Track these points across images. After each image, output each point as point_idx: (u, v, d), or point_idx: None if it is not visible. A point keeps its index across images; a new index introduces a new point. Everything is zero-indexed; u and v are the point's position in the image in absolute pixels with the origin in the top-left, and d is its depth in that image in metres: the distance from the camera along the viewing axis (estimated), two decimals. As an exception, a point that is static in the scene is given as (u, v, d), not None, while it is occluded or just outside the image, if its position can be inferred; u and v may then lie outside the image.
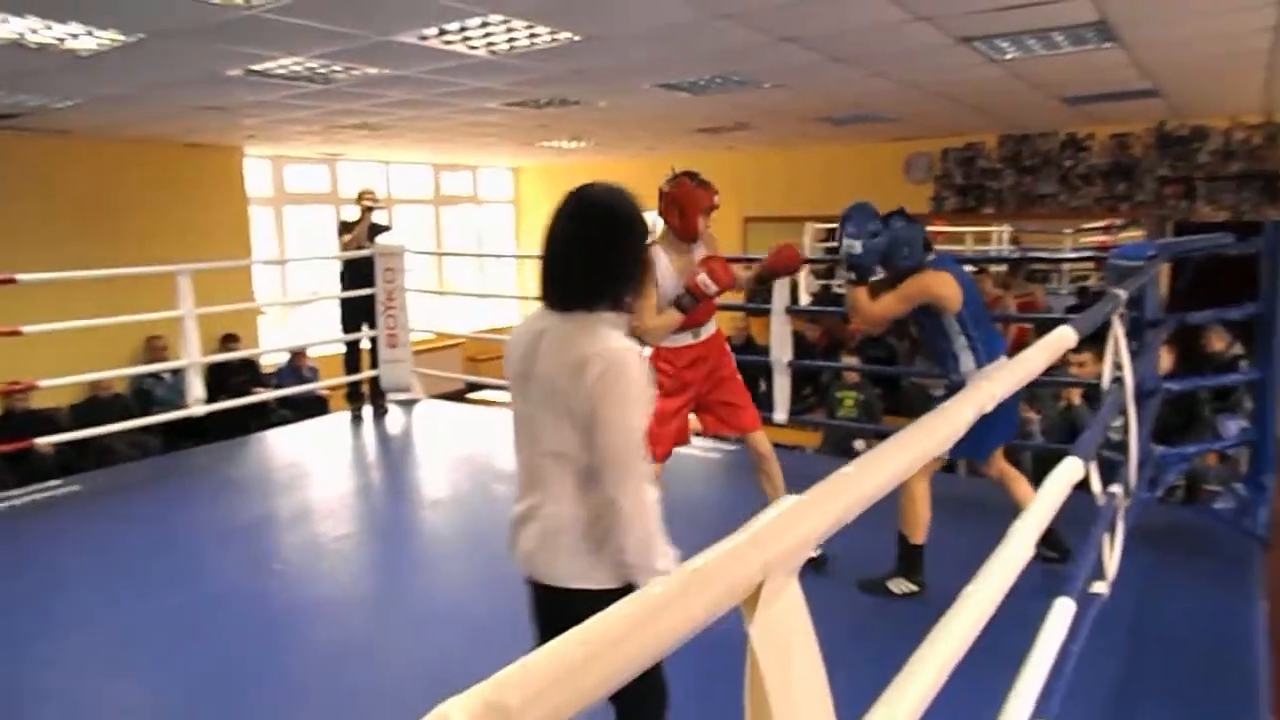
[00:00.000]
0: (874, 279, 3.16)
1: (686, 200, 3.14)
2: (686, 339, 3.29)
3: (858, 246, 3.10)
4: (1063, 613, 1.77)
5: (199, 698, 2.73)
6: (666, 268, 3.15)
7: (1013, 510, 3.40)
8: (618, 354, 1.62)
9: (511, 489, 1.84)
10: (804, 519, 0.67)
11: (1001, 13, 3.81)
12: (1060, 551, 3.26)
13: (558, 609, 1.71)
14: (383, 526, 4.42)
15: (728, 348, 3.50)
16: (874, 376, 6.55)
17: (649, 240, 1.78)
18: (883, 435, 2.26)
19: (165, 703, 2.74)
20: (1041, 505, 1.52)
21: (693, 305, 3.13)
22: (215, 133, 7.43)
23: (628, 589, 1.59)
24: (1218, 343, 6.18)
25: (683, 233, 3.17)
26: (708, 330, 3.36)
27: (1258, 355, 4.04)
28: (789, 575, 0.66)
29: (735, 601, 0.61)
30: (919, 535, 3.24)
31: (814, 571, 3.24)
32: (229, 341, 7.86)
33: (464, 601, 3.42)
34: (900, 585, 3.28)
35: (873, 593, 3.27)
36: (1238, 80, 5.71)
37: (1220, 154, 7.67)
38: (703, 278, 3.07)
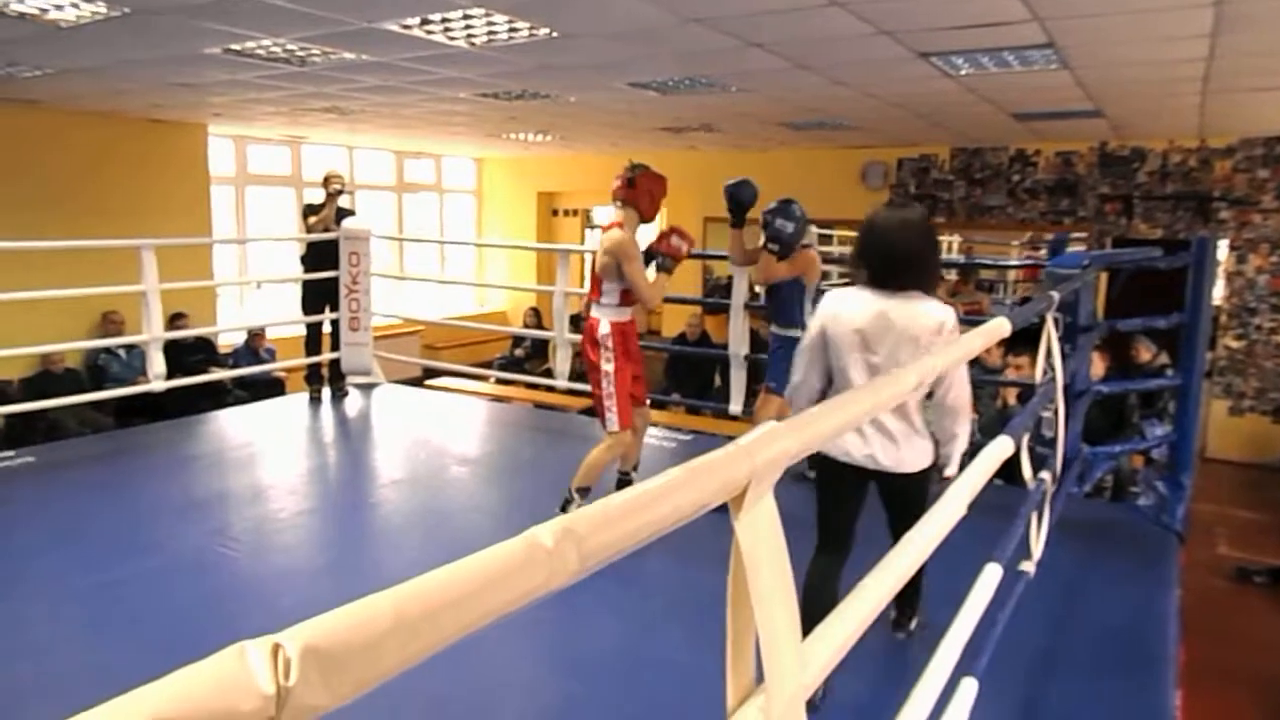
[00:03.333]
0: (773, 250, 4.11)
1: (657, 188, 3.68)
2: (629, 314, 3.70)
3: (790, 227, 3.98)
4: (991, 576, 1.97)
5: (157, 661, 2.78)
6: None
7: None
8: (954, 316, 2.49)
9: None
10: (782, 439, 0.83)
11: (958, 31, 4.04)
12: None
13: (905, 486, 2.56)
14: (342, 503, 4.48)
15: None
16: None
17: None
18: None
19: (122, 666, 2.71)
20: (975, 473, 1.71)
21: (673, 266, 3.69)
22: (181, 109, 7.40)
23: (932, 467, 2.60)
24: (1145, 354, 6.53)
25: (649, 215, 3.68)
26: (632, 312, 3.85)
27: (1180, 363, 4.33)
28: (769, 483, 0.81)
29: (726, 497, 0.76)
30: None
31: None
32: (177, 320, 7.80)
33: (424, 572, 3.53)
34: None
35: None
36: (1174, 105, 6.05)
37: (1158, 175, 8.07)
38: (675, 240, 3.66)
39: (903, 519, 2.50)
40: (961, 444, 2.59)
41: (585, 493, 3.67)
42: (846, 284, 3.25)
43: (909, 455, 2.53)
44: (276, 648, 0.38)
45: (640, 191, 3.62)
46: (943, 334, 2.43)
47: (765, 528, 0.83)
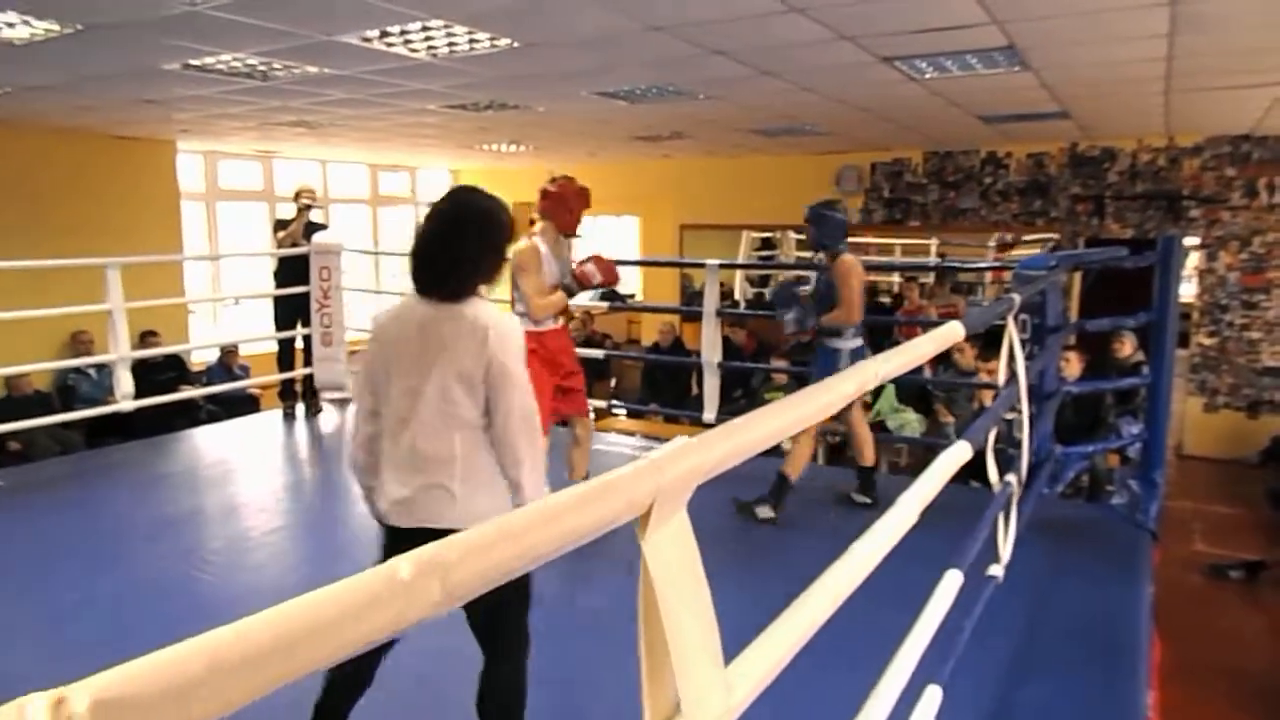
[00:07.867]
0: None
1: (574, 199, 3.63)
2: (553, 324, 3.75)
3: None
4: (951, 582, 1.95)
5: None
6: (548, 257, 3.62)
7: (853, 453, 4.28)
8: (506, 322, 2.02)
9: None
10: (694, 454, 0.81)
11: (918, 35, 4.04)
12: (872, 497, 4.12)
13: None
14: (315, 521, 4.44)
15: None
16: (801, 378, 6.77)
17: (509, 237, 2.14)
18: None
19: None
20: (930, 478, 1.69)
21: (578, 291, 3.69)
22: (147, 126, 7.33)
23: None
24: (1126, 348, 6.49)
25: (567, 228, 3.66)
26: (560, 321, 3.88)
27: (1151, 360, 4.34)
28: (679, 500, 0.79)
29: (632, 515, 0.74)
30: (795, 472, 3.98)
31: None
32: (148, 338, 7.70)
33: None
34: (764, 511, 3.93)
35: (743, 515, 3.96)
36: (1139, 105, 6.09)
37: (1128, 174, 8.12)
38: (590, 266, 3.66)
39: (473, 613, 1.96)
40: (532, 493, 1.98)
41: None
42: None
43: (443, 508, 1.94)
44: (60, 701, 0.36)
45: (552, 202, 3.63)
46: (488, 346, 1.93)
47: (675, 548, 0.80)
